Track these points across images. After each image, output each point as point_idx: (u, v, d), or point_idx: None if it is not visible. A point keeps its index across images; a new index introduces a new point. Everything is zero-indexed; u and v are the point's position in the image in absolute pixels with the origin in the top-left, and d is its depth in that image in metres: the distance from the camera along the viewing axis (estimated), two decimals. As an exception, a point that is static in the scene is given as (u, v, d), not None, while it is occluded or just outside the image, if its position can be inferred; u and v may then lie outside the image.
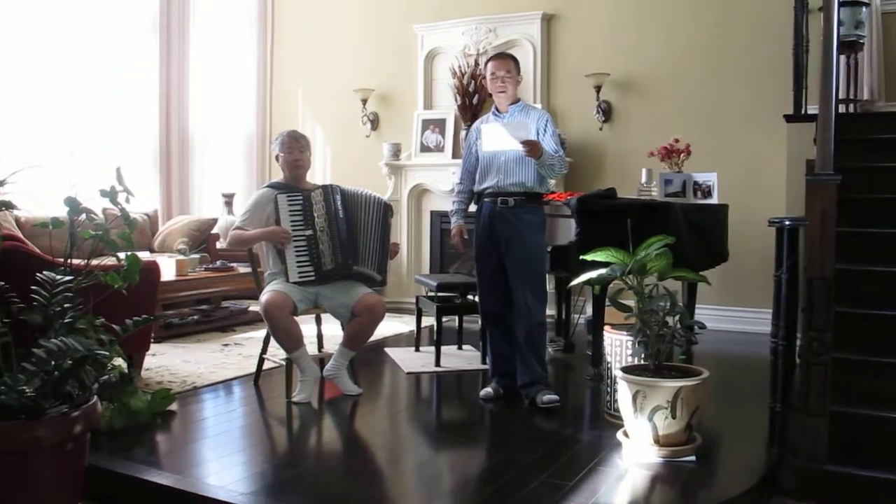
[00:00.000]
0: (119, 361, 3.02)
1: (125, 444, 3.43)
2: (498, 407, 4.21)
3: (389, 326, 6.19)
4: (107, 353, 2.61)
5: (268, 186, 4.49)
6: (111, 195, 3.00)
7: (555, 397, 4.03)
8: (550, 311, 5.74)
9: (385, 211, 4.45)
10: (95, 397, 2.65)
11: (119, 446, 3.37)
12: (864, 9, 5.38)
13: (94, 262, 2.95)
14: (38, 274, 2.76)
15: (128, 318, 2.91)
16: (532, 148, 3.97)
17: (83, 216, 2.94)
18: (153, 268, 4.48)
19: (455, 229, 4.40)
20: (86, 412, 2.56)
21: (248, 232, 4.30)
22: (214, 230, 7.51)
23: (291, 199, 4.27)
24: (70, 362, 2.51)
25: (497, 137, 4.12)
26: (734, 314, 6.38)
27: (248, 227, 4.31)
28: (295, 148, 4.42)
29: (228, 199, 7.82)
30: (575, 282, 3.80)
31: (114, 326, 2.80)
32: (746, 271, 6.03)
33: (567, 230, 4.76)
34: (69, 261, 2.92)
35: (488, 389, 4.30)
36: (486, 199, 4.22)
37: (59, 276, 2.77)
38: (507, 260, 4.14)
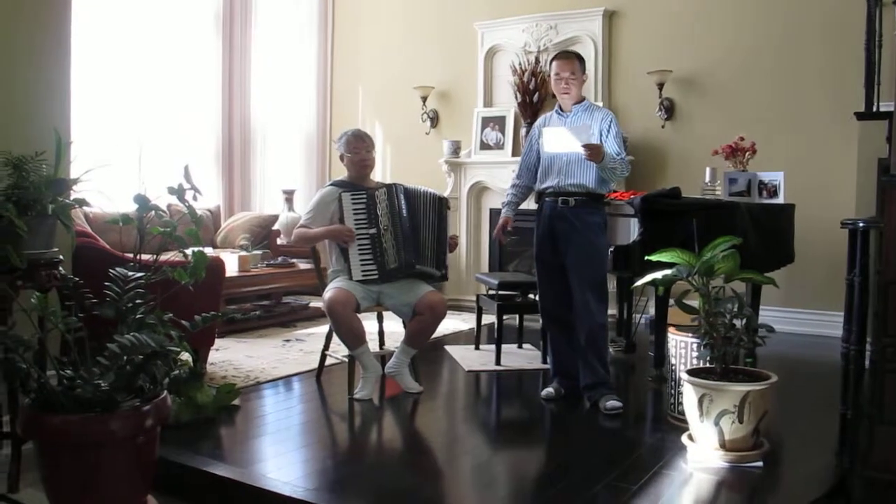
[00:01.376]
0: (186, 356, 3.07)
1: (192, 437, 3.49)
2: (559, 407, 4.18)
3: (449, 324, 6.18)
4: (177, 349, 2.66)
5: (332, 185, 4.53)
6: (179, 193, 3.05)
7: (618, 404, 3.97)
8: (611, 310, 5.69)
9: (441, 205, 4.45)
10: (165, 392, 2.71)
11: (186, 439, 3.44)
12: (941, 1, 5.20)
13: (162, 257, 3.01)
14: (110, 270, 2.82)
15: (193, 313, 2.96)
16: (593, 152, 3.91)
17: (152, 213, 3.00)
18: (218, 264, 4.55)
19: (501, 220, 4.35)
20: (156, 406, 2.61)
21: (312, 230, 4.34)
22: (275, 226, 7.60)
23: (355, 198, 4.30)
24: (141, 357, 2.56)
25: (558, 139, 4.08)
26: (800, 316, 6.24)
27: (312, 226, 4.36)
28: (361, 148, 4.45)
29: (289, 196, 7.91)
30: (640, 282, 3.75)
31: (182, 322, 2.85)
32: (813, 272, 5.90)
33: (629, 230, 4.71)
34: (139, 255, 2.99)
35: (549, 389, 4.27)
36: (546, 199, 4.18)
37: (130, 273, 2.83)
38: (568, 261, 4.10)
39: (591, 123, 4.09)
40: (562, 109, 4.22)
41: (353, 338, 4.14)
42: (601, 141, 4.04)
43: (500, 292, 5.17)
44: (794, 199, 5.36)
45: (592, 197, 4.11)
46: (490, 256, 7.75)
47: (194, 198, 3.10)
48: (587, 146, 3.91)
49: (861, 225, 3.34)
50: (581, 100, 4.21)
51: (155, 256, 2.99)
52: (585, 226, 4.07)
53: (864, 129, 4.94)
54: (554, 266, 4.17)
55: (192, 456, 3.25)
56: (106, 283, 2.73)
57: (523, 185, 4.37)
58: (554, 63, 4.23)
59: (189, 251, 2.98)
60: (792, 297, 6.09)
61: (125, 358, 2.51)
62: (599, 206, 4.18)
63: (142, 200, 2.99)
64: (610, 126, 4.11)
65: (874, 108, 4.82)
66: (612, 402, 3.98)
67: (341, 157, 4.51)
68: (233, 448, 3.56)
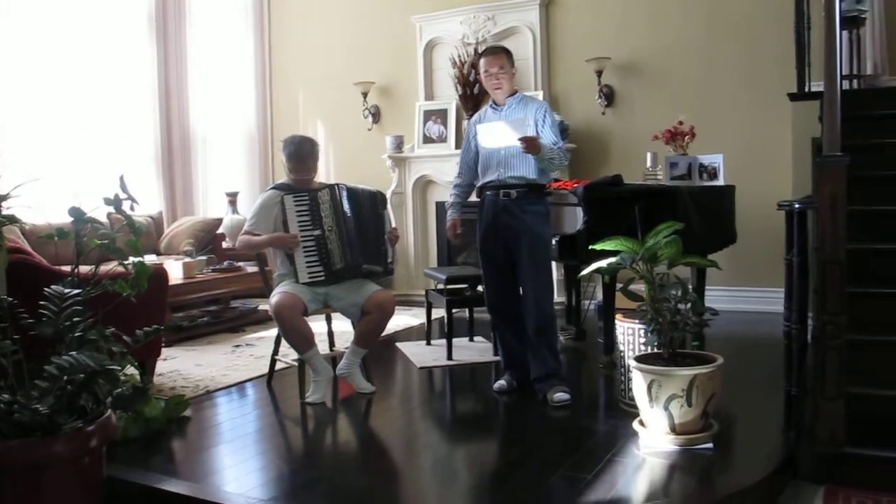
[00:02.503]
0: (131, 370, 3.01)
1: (141, 453, 3.42)
2: (512, 399, 4.20)
3: (400, 320, 6.18)
4: (118, 368, 2.60)
5: (273, 188, 4.47)
6: (115, 203, 2.99)
7: (566, 396, 3.98)
8: (560, 298, 5.73)
9: (376, 201, 4.45)
10: (109, 411, 2.65)
11: (135, 455, 3.37)
12: (865, -17, 5.33)
13: (102, 268, 2.94)
14: (45, 289, 2.74)
15: (138, 325, 2.90)
16: (530, 144, 3.92)
17: (89, 225, 2.93)
18: (161, 273, 4.47)
19: (449, 223, 4.37)
20: (101, 426, 2.56)
21: (256, 238, 4.29)
22: (220, 230, 7.50)
23: (298, 200, 4.25)
24: (82, 376, 2.50)
25: (495, 135, 4.09)
26: (744, 294, 6.36)
27: (256, 231, 4.30)
28: (302, 170, 4.38)
29: (233, 198, 7.78)
30: (585, 271, 3.78)
31: (125, 338, 2.79)
32: (755, 251, 6.00)
33: (574, 218, 4.73)
34: (76, 270, 2.92)
35: (502, 382, 4.28)
36: (488, 193, 4.18)
37: (67, 290, 2.76)
38: (513, 253, 4.10)
39: (525, 115, 4.10)
40: (496, 104, 4.23)
41: (302, 342, 4.11)
42: (537, 132, 4.05)
43: (449, 286, 5.17)
44: (734, 180, 5.45)
45: (534, 188, 4.11)
46: (438, 251, 7.76)
47: (131, 207, 3.04)
48: (523, 139, 3.91)
49: (797, 206, 3.41)
50: (514, 92, 4.22)
51: (94, 269, 2.92)
52: (529, 217, 4.07)
53: (797, 108, 5.03)
54: (499, 259, 4.17)
55: (143, 473, 3.18)
56: (41, 303, 2.66)
57: (465, 183, 4.38)
58: (482, 60, 4.24)
59: (129, 261, 2.91)
60: (736, 276, 6.19)
61: (65, 378, 2.44)
62: (542, 197, 4.19)
63: (77, 213, 2.92)
64: (545, 116, 4.12)
65: (806, 89, 4.91)
66: (560, 395, 3.98)
67: (283, 164, 4.46)
68: (185, 461, 3.50)
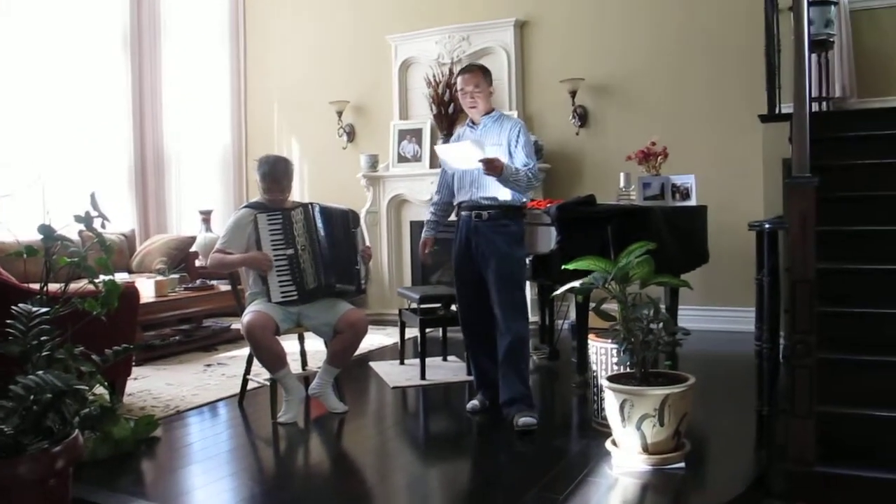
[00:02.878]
0: (100, 390, 2.96)
1: (109, 474, 3.37)
2: (485, 419, 4.17)
3: (373, 339, 6.16)
4: (86, 388, 2.56)
5: (246, 207, 4.45)
6: (86, 220, 2.95)
7: (531, 420, 3.89)
8: (534, 318, 5.74)
9: (349, 219, 4.44)
10: (77, 431, 2.61)
11: (103, 476, 3.31)
12: (832, 7, 5.43)
13: (72, 286, 2.90)
14: (13, 307, 2.70)
15: (108, 345, 2.86)
16: (490, 166, 3.87)
17: (59, 243, 2.89)
18: (132, 291, 4.42)
19: (421, 241, 4.40)
20: (68, 447, 2.51)
21: (229, 257, 4.26)
22: (193, 248, 7.44)
23: (271, 219, 4.24)
24: (49, 396, 2.46)
25: (456, 157, 4.09)
26: (716, 314, 6.40)
27: (228, 249, 4.27)
28: (276, 190, 4.37)
29: (206, 216, 7.76)
30: (558, 291, 3.79)
31: (93, 357, 2.75)
32: (727, 271, 6.05)
33: (547, 238, 4.75)
34: (45, 288, 2.88)
35: (475, 402, 4.26)
36: (462, 213, 4.17)
37: (35, 308, 2.71)
38: (486, 275, 4.06)
39: (489, 137, 4.07)
40: (473, 123, 4.23)
41: (274, 361, 4.08)
42: (510, 151, 4.04)
43: (423, 306, 5.16)
44: (706, 200, 5.49)
45: (506, 208, 4.07)
46: (412, 270, 7.75)
47: (102, 225, 3.01)
48: (484, 161, 3.86)
49: (767, 227, 3.45)
50: (490, 110, 4.20)
51: (63, 287, 2.88)
52: (502, 238, 4.04)
53: (767, 130, 5.09)
54: (472, 280, 4.14)
55: (111, 494, 3.14)
56: (8, 322, 2.61)
57: (443, 202, 4.37)
58: (458, 79, 4.24)
59: (100, 280, 2.88)
60: (709, 295, 6.24)
61: (31, 398, 2.40)
62: (515, 217, 4.13)
63: (47, 230, 2.89)
64: (518, 135, 4.07)
65: (776, 111, 4.97)
66: (525, 419, 3.89)
67: (257, 182, 4.44)
68: (154, 482, 3.45)
